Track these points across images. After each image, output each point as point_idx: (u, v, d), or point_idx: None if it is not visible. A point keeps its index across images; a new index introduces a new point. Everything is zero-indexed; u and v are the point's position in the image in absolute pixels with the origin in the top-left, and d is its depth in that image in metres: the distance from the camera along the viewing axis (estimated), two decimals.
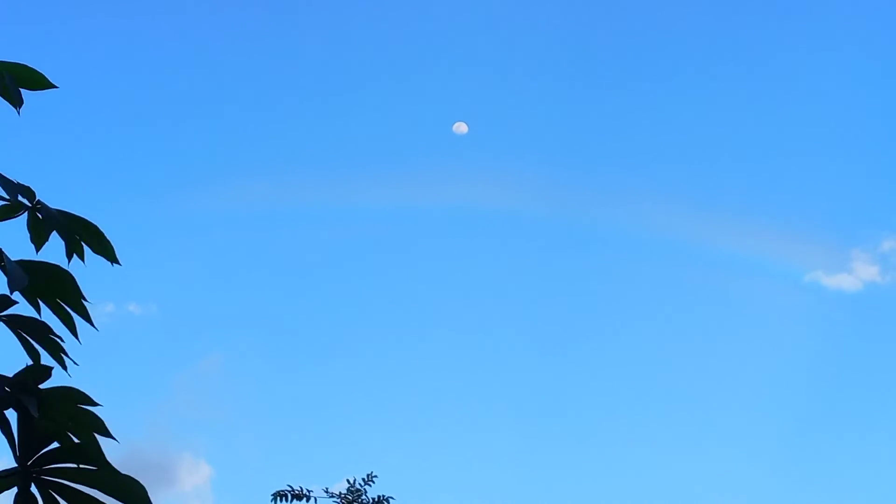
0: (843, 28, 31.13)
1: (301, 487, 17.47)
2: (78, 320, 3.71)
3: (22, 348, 3.62)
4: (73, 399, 3.39)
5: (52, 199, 3.63)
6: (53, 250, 3.64)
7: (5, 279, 3.44)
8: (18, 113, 3.55)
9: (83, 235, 3.70)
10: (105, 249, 3.75)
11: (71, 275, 3.63)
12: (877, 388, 31.04)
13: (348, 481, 17.27)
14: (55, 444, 3.36)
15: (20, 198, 3.56)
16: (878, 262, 30.27)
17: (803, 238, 30.60)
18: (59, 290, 3.64)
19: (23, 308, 3.63)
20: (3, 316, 3.60)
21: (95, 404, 3.40)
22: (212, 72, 31.96)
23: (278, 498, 17.41)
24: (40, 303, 3.66)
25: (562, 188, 31.03)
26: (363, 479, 17.32)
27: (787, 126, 31.59)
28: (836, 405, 30.78)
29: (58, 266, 3.61)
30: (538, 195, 30.68)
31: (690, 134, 31.71)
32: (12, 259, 3.46)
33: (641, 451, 30.00)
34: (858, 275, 29.67)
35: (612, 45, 31.57)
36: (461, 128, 28.96)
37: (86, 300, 3.67)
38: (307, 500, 17.31)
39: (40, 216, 3.63)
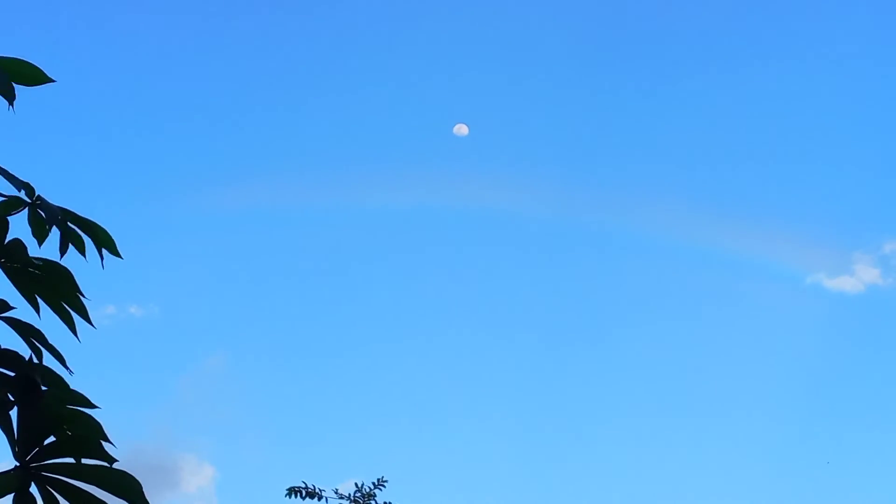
0: (847, 32, 31.15)
1: (314, 486, 17.49)
2: (78, 320, 3.72)
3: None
4: (72, 400, 3.40)
5: (52, 196, 3.64)
6: (55, 249, 3.65)
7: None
8: (11, 108, 3.56)
9: (84, 230, 3.69)
10: (106, 243, 3.75)
11: (68, 270, 3.63)
12: (879, 391, 31.04)
13: (356, 484, 17.23)
14: (52, 439, 3.36)
15: (21, 194, 3.58)
16: (879, 264, 30.26)
17: (805, 240, 30.61)
18: (57, 286, 3.64)
19: (23, 311, 3.65)
20: (3, 317, 3.59)
21: (93, 406, 3.42)
22: (215, 73, 31.99)
23: (292, 493, 17.46)
24: (40, 303, 3.66)
25: (564, 190, 31.04)
26: (373, 483, 17.27)
27: (789, 129, 31.61)
28: (837, 407, 30.79)
29: (55, 262, 3.62)
30: (540, 197, 30.69)
31: (691, 136, 31.71)
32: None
33: (643, 452, 30.02)
34: (860, 277, 29.68)
35: (616, 47, 31.58)
36: (462, 130, 28.96)
37: (83, 296, 3.67)
38: (319, 500, 17.31)
39: (41, 212, 3.62)
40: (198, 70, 31.28)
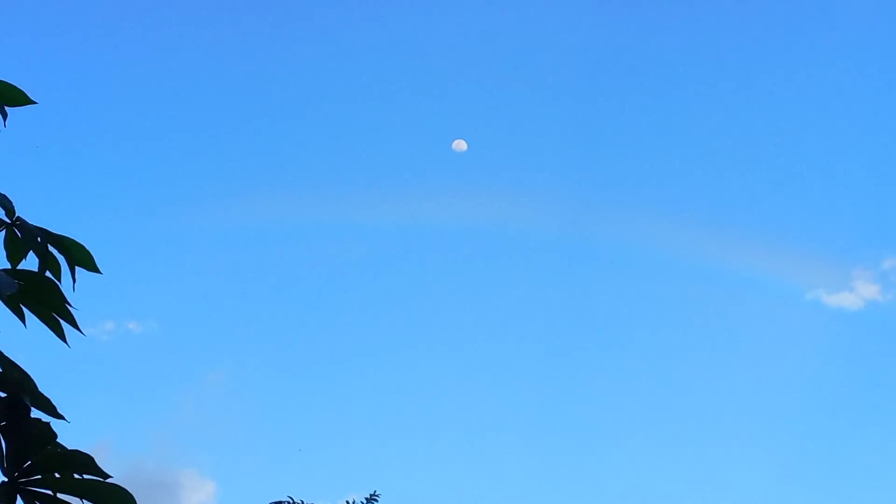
0: (846, 48, 31.20)
1: (302, 501, 17.42)
2: (69, 331, 3.73)
3: None
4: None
5: (49, 213, 3.68)
6: (30, 267, 3.66)
7: None
8: (4, 125, 3.60)
9: (60, 250, 3.70)
10: (82, 261, 3.77)
11: (54, 282, 3.64)
12: (878, 407, 31.01)
13: (347, 503, 17.19)
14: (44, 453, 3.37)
15: (1, 214, 3.61)
16: (878, 280, 30.27)
17: (804, 257, 30.62)
18: (42, 295, 3.64)
19: (6, 321, 3.68)
20: None
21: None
22: (212, 89, 32.05)
23: None
24: (25, 311, 3.67)
25: (562, 205, 31.07)
26: (365, 499, 17.24)
27: (789, 145, 31.64)
28: (837, 423, 30.77)
29: (40, 273, 3.63)
30: (538, 212, 30.73)
31: (692, 152, 31.74)
32: None
33: (645, 466, 30.00)
34: (859, 293, 29.68)
35: (614, 62, 31.63)
36: (460, 145, 29.02)
37: (71, 306, 3.68)
38: None
39: (19, 233, 3.65)
40: (195, 87, 31.34)
